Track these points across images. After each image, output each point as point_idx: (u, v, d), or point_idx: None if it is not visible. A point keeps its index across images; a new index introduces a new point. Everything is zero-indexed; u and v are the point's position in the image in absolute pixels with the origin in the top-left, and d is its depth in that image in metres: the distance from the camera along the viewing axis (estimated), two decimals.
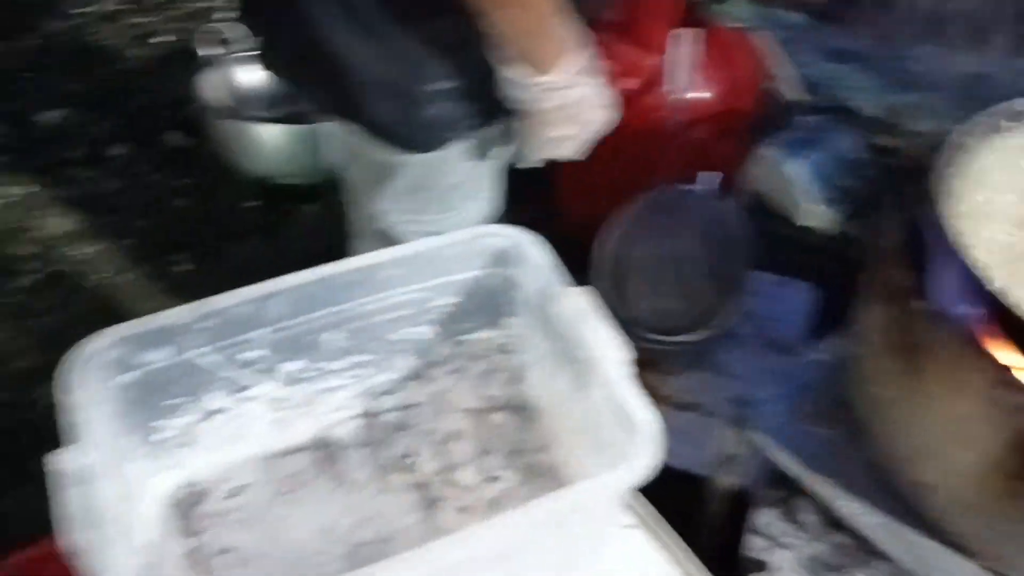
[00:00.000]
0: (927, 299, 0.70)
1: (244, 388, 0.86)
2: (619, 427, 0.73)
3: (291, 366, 0.87)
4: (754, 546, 1.31)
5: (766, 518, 1.33)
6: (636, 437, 0.69)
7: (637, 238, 1.24)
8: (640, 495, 0.95)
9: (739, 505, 1.13)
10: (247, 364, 0.85)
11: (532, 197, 1.95)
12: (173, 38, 2.47)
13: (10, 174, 2.04)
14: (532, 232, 0.87)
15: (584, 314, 0.79)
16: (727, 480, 0.97)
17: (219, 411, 0.87)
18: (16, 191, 2.00)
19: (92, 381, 0.75)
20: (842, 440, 0.84)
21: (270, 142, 1.90)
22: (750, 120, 1.51)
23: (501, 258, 0.88)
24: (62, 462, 0.66)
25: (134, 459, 0.83)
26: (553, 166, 1.84)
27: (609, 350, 0.76)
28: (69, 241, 1.89)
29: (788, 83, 1.39)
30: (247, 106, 1.96)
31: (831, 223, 0.93)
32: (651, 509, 0.93)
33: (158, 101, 2.25)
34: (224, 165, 2.03)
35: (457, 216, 1.05)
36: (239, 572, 0.83)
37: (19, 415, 1.56)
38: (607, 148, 1.56)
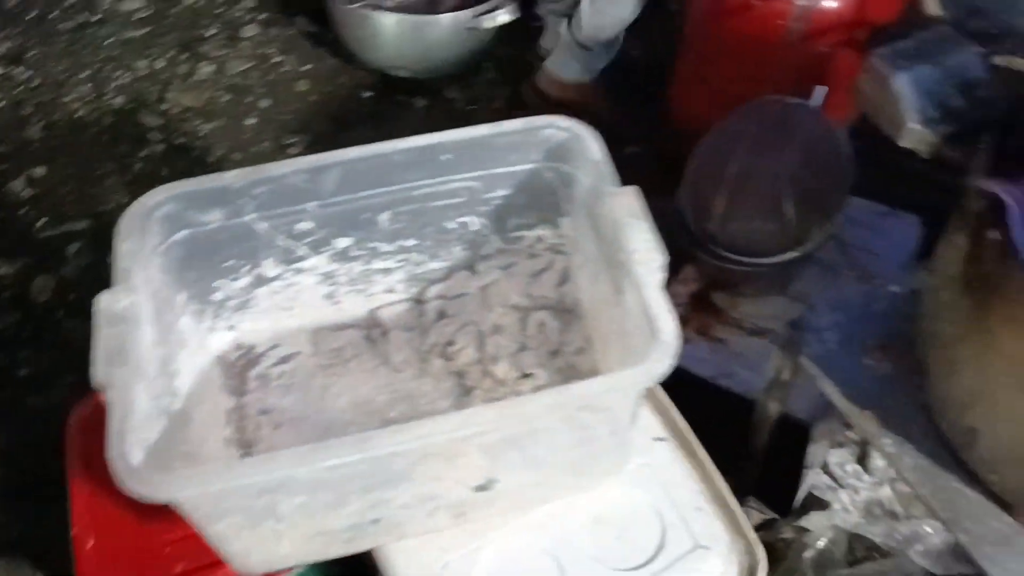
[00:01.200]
0: (1004, 230, 0.63)
1: (297, 259, 0.88)
2: (643, 331, 0.70)
3: (342, 242, 0.88)
4: (820, 484, 1.27)
5: (838, 458, 1.28)
6: (653, 341, 0.67)
7: (730, 151, 1.17)
8: (677, 410, 0.93)
9: (798, 437, 1.09)
10: (300, 235, 0.86)
11: (651, 104, 1.89)
12: None
13: (147, 48, 2.14)
14: (587, 126, 0.83)
15: (628, 215, 0.76)
16: (774, 407, 0.93)
17: (273, 279, 0.89)
18: (150, 65, 2.10)
19: (147, 233, 0.78)
20: (898, 377, 0.78)
21: (388, 32, 1.90)
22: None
23: (557, 152, 0.85)
24: (102, 303, 0.70)
25: (191, 315, 0.87)
26: (669, 72, 1.77)
27: (645, 253, 0.73)
28: (194, 116, 1.98)
29: None
30: None
31: (932, 145, 0.84)
32: (685, 424, 0.90)
33: None
34: (346, 53, 2.05)
35: None
36: (274, 432, 0.87)
37: None
38: (722, 53, 1.48)
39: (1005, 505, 0.71)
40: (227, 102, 2.01)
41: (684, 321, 1.24)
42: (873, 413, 0.77)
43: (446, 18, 1.86)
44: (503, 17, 1.85)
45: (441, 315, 0.94)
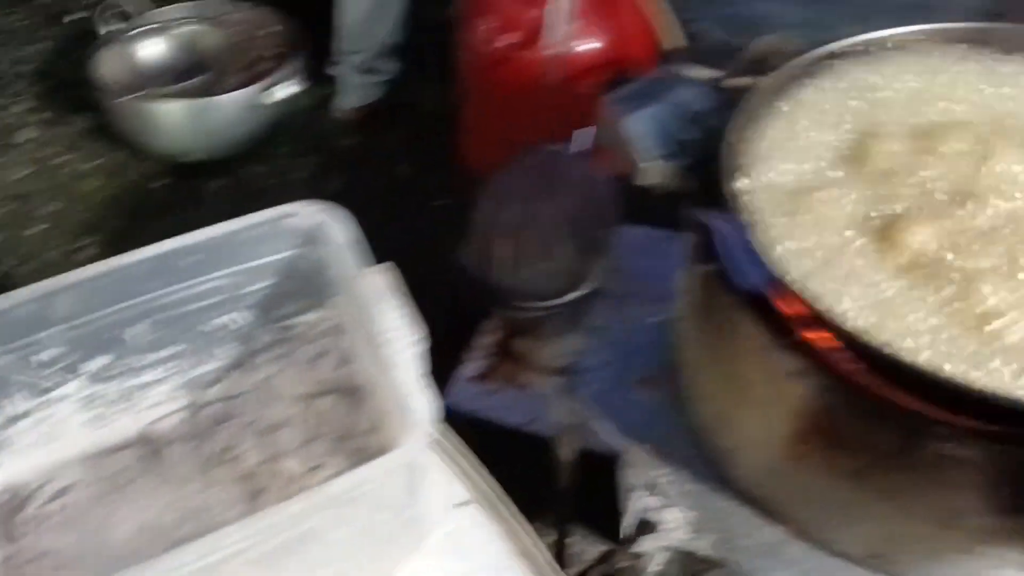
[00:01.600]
0: (716, 261, 0.66)
1: (47, 390, 0.83)
2: (402, 411, 0.70)
3: (97, 363, 0.84)
4: (650, 505, 1.29)
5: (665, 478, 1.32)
6: (407, 421, 0.66)
7: (504, 201, 1.19)
8: (482, 470, 0.92)
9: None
10: (45, 365, 0.81)
11: (450, 155, 1.92)
12: (86, 15, 2.40)
13: None
14: (337, 207, 0.83)
15: (380, 294, 0.75)
16: (569, 449, 0.95)
17: (26, 414, 0.84)
18: None
19: None
20: (665, 407, 0.81)
21: (171, 120, 1.85)
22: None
23: (308, 237, 0.84)
24: None
25: None
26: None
27: (397, 331, 0.72)
28: None
29: (667, 29, 1.34)
30: (147, 83, 1.91)
31: (669, 181, 0.88)
32: (491, 483, 0.90)
33: (69, 81, 2.20)
34: (133, 145, 1.99)
35: None
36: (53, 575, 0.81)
37: None
38: (495, 103, 1.52)
39: (771, 516, 0.74)
40: (8, 213, 1.89)
41: (491, 371, 1.25)
42: (646, 447, 0.80)
43: (229, 98, 1.83)
44: (288, 90, 1.84)
45: (220, 419, 0.90)
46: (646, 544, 1.25)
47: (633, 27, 1.43)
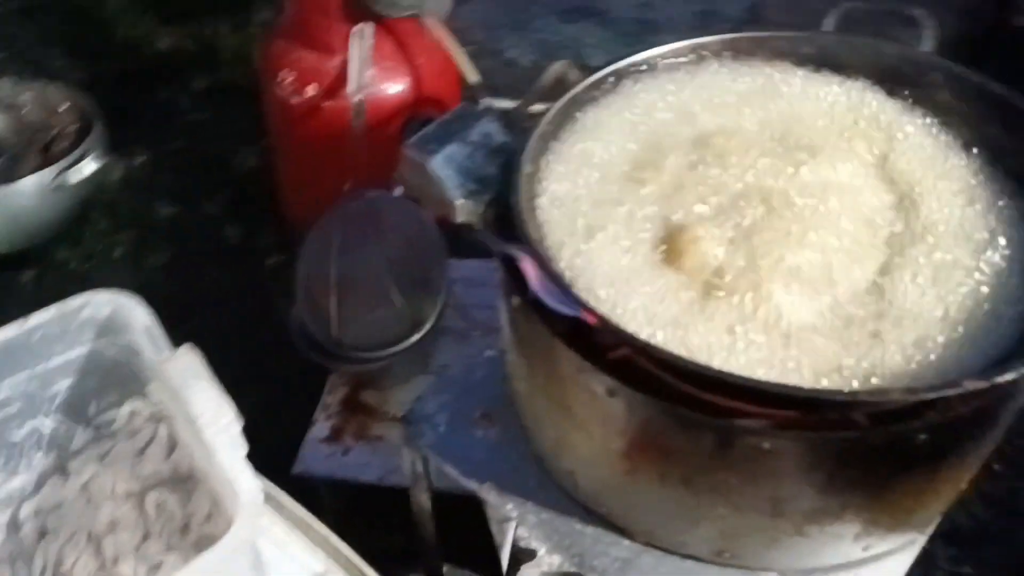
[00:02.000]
0: (523, 292, 0.67)
1: None
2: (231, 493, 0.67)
3: None
4: (520, 536, 1.29)
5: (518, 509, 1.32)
6: (235, 505, 0.63)
7: (328, 254, 1.17)
8: (334, 536, 0.90)
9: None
10: None
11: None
12: None
13: None
14: (130, 294, 0.79)
15: (188, 376, 0.72)
16: (424, 497, 0.93)
17: None
18: None
19: None
20: (507, 439, 0.81)
21: None
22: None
23: (108, 326, 0.79)
24: None
25: None
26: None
27: (212, 414, 0.69)
28: None
29: (463, 65, 1.36)
30: None
31: (480, 216, 0.88)
32: (347, 547, 0.88)
33: None
34: None
35: None
36: None
37: None
38: (307, 155, 1.49)
39: (620, 530, 0.75)
40: None
41: (341, 430, 1.22)
42: (492, 483, 0.79)
43: (26, 183, 1.71)
44: (90, 167, 1.73)
45: (43, 533, 0.84)
46: (527, 573, 1.25)
47: (435, 66, 1.44)
